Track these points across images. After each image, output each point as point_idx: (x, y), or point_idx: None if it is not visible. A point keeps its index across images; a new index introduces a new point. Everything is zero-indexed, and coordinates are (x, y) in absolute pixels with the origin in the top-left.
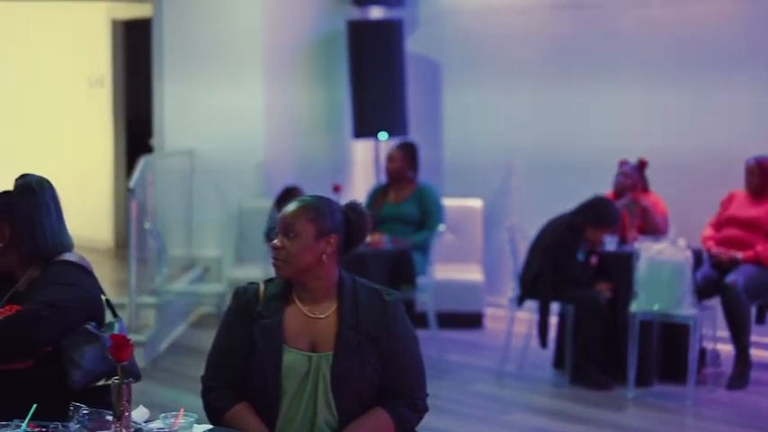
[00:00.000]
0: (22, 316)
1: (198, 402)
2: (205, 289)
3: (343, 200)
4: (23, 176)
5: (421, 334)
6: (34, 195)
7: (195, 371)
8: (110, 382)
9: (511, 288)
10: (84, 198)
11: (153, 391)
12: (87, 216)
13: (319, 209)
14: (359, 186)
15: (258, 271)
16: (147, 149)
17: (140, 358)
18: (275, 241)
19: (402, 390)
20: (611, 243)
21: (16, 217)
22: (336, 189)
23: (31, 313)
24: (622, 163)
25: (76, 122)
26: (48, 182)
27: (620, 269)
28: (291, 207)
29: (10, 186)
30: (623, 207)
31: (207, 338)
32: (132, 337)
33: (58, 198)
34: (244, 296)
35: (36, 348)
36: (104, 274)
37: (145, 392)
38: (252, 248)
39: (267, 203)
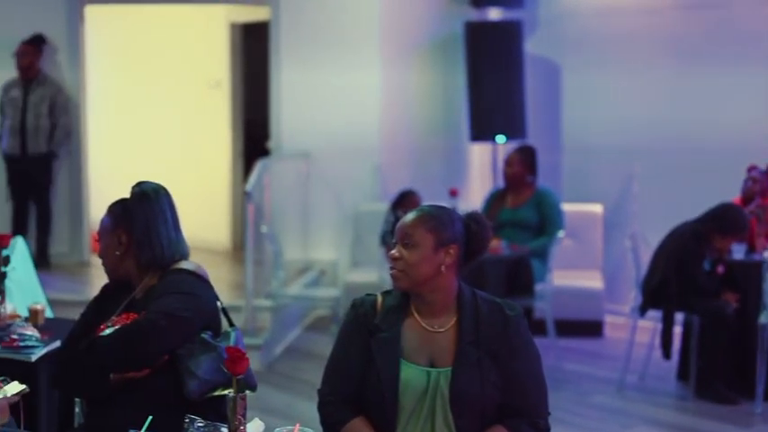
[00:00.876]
0: (138, 325)
1: (312, 408)
2: (320, 293)
3: (460, 204)
4: (140, 184)
5: (538, 342)
6: (150, 203)
7: (310, 375)
8: (225, 392)
9: (632, 296)
10: (202, 200)
11: (268, 396)
12: (206, 218)
13: (439, 218)
14: (476, 190)
15: (373, 275)
16: (265, 152)
17: (256, 362)
18: (393, 251)
19: (523, 408)
20: (738, 252)
21: (133, 225)
22: (453, 193)
23: (147, 323)
24: (751, 168)
25: (196, 125)
26: (164, 189)
27: (749, 279)
28: (410, 216)
29: (128, 192)
30: (752, 214)
31: (322, 342)
32: (248, 341)
33: (175, 205)
34: (361, 308)
35: (152, 358)
36: (222, 277)
37: (260, 397)
38: (367, 252)
39: (383, 207)
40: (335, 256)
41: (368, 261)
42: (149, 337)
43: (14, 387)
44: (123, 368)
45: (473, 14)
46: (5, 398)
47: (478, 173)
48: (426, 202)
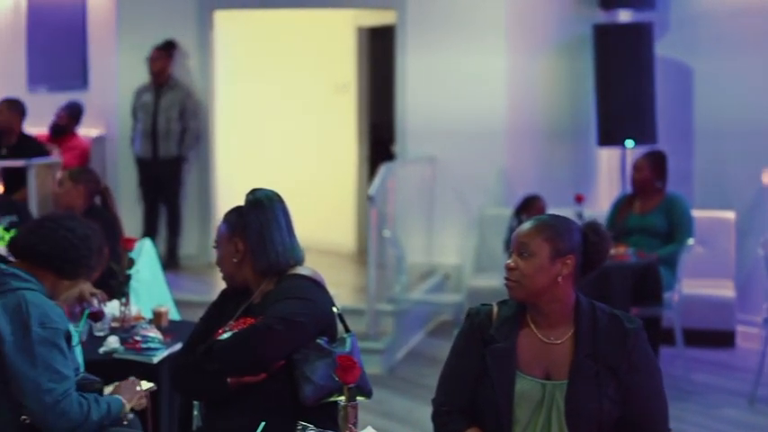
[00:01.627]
0: (254, 330)
1: None
2: (443, 298)
3: (586, 210)
4: (253, 192)
5: (666, 352)
6: (264, 210)
7: (431, 381)
8: (339, 399)
9: (765, 306)
10: (328, 203)
11: (389, 400)
12: (332, 221)
13: (556, 228)
14: (602, 196)
15: (498, 280)
16: (390, 156)
17: (377, 366)
18: (509, 261)
19: (643, 425)
20: None
21: (248, 232)
22: (578, 199)
23: (263, 327)
24: None
25: (322, 128)
26: (277, 196)
27: None
28: (527, 226)
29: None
30: None
31: (444, 348)
32: (370, 345)
33: (288, 211)
34: (476, 318)
35: (268, 362)
36: (345, 279)
37: (381, 401)
38: (492, 257)
39: (508, 211)
40: (460, 261)
41: (492, 266)
42: (265, 342)
43: (144, 385)
44: (240, 372)
45: (602, 16)
46: (143, 390)
47: (606, 178)
48: (551, 207)
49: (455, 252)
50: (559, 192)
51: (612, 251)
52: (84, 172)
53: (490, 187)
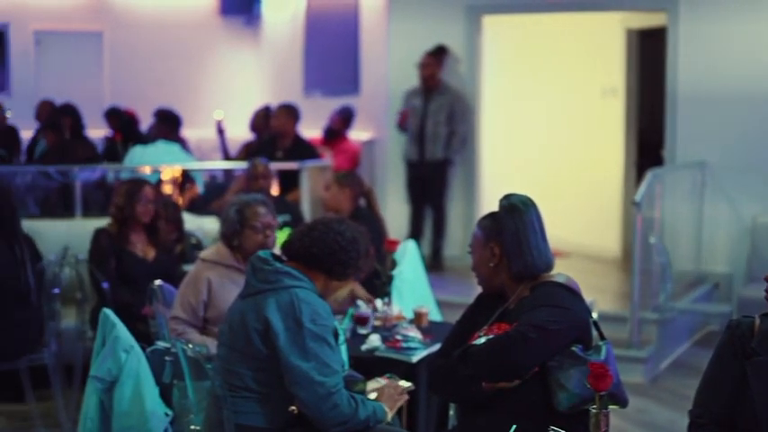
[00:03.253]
0: (509, 337)
1: None
2: (710, 308)
3: None
4: (508, 197)
5: None
6: (520, 214)
7: None
8: (592, 407)
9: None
10: (593, 207)
11: (651, 410)
12: (596, 225)
13: None
14: None
15: None
16: (659, 161)
17: (640, 375)
18: None
19: None
20: None
21: (504, 237)
22: None
23: (518, 335)
24: None
25: (588, 132)
26: (531, 201)
27: None
28: None
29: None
30: None
31: None
32: (632, 354)
33: (542, 216)
34: (737, 330)
35: (522, 369)
36: (609, 285)
37: (642, 410)
38: (765, 266)
39: None
40: (730, 270)
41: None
42: (519, 349)
43: (402, 383)
44: (494, 378)
45: None
46: (403, 395)
47: None
48: None
49: (725, 260)
50: None
51: None
52: (350, 176)
53: (764, 194)
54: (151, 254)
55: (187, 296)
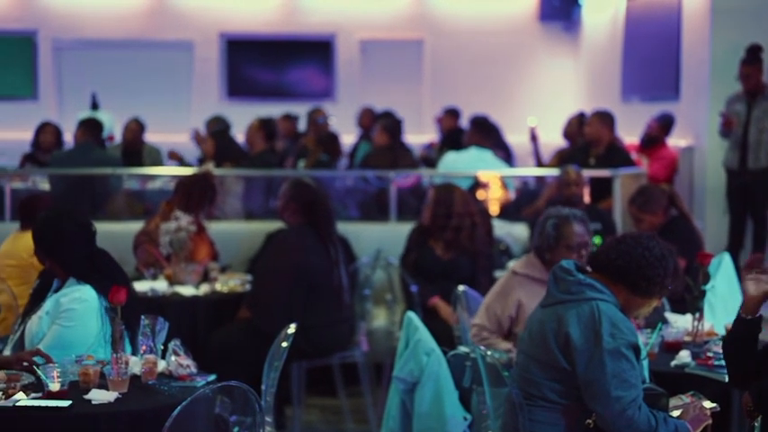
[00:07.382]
0: None
1: None
2: None
3: None
4: None
5: None
6: None
7: None
8: None
9: None
10: None
11: None
12: None
13: None
14: None
15: None
16: None
17: None
18: None
19: None
20: None
21: None
22: None
23: None
24: None
25: None
26: None
27: None
28: None
29: None
30: None
31: None
32: None
33: None
34: None
35: None
36: None
37: None
38: None
39: None
40: None
41: None
42: None
43: (707, 404)
44: None
45: None
46: (708, 409)
47: None
48: None
49: None
50: None
51: None
52: (646, 202)
53: None
54: (448, 254)
55: (494, 307)
